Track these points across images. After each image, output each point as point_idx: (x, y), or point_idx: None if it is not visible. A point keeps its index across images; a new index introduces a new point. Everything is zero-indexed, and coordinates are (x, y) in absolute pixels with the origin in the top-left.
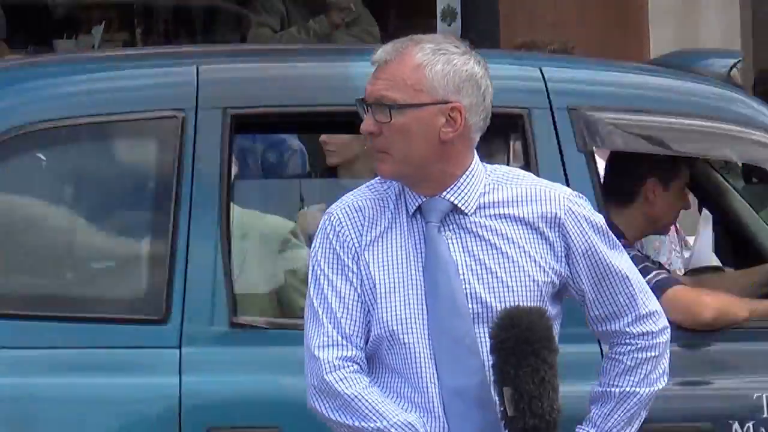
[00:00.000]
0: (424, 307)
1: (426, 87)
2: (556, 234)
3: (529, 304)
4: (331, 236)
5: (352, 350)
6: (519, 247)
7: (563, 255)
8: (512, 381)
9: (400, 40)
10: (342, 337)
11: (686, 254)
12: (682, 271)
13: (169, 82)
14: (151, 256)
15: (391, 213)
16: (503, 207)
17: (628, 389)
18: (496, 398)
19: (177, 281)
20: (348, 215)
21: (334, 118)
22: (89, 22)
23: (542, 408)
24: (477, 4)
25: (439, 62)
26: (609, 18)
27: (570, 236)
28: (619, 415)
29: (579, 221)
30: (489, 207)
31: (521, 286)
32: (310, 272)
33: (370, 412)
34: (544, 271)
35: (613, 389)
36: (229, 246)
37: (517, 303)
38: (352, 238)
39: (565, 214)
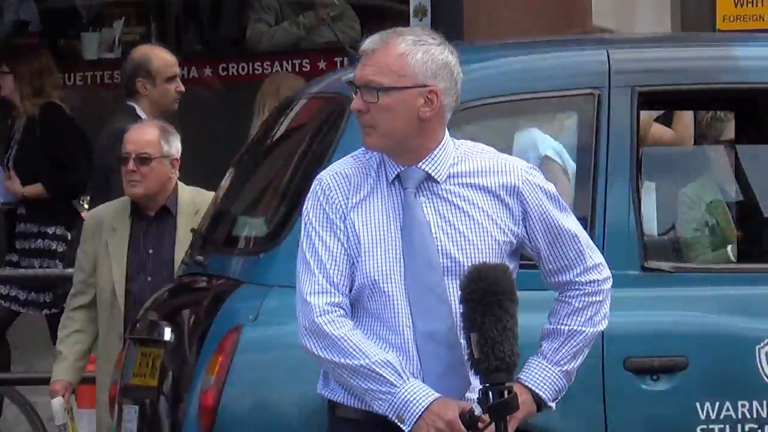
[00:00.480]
0: (402, 260)
1: (408, 73)
2: (515, 201)
3: (493, 261)
4: (321, 198)
5: (338, 297)
6: (483, 212)
7: (521, 219)
8: (479, 328)
9: (385, 32)
10: (330, 285)
11: None
12: None
13: (586, 64)
14: (577, 216)
15: (373, 180)
16: (470, 177)
17: (575, 328)
18: (464, 342)
19: (597, 236)
20: (336, 181)
21: (724, 94)
22: (111, 17)
23: (504, 352)
24: (444, 3)
25: (419, 51)
26: (557, 16)
27: (527, 202)
28: (566, 350)
29: (534, 189)
30: (458, 176)
31: (485, 244)
32: (302, 229)
33: (355, 350)
34: (504, 232)
35: (562, 327)
36: (639, 203)
37: (481, 259)
38: (339, 200)
39: (523, 183)
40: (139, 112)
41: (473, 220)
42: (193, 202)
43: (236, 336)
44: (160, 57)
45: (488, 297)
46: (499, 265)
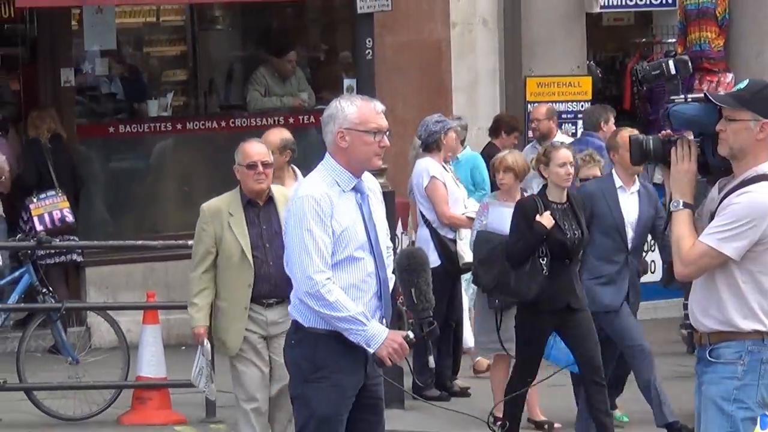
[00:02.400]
0: (366, 240)
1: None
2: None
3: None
4: (315, 208)
5: (329, 273)
6: (381, 212)
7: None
8: (415, 285)
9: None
10: (324, 266)
11: None
12: None
13: None
14: None
15: (337, 191)
16: (369, 187)
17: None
18: (407, 300)
19: None
20: (322, 197)
21: None
22: (166, 89)
23: (429, 299)
24: (363, 87)
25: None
26: (427, 87)
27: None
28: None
29: (378, 192)
30: (367, 188)
31: (385, 225)
32: (300, 229)
33: (342, 308)
34: (386, 220)
35: None
36: None
37: (387, 235)
38: (326, 210)
39: (376, 187)
40: None
41: (379, 215)
42: (282, 194)
43: None
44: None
45: (419, 267)
46: (419, 248)
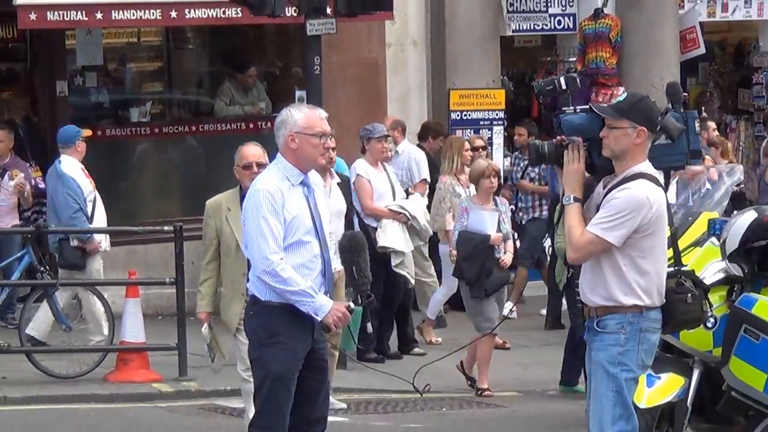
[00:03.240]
0: (313, 226)
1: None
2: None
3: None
4: (270, 199)
5: (282, 254)
6: (323, 203)
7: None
8: (356, 263)
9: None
10: (278, 248)
11: None
12: None
13: None
14: None
15: (288, 185)
16: (314, 181)
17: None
18: (348, 275)
19: None
20: (275, 190)
21: None
22: (143, 100)
23: (366, 275)
24: (311, 98)
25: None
26: (365, 98)
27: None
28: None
29: (321, 186)
30: (313, 183)
31: (328, 219)
32: (256, 218)
33: (294, 283)
34: (327, 210)
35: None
36: None
37: (328, 223)
38: (278, 201)
39: (320, 182)
40: None
41: (323, 204)
42: None
43: None
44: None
45: (358, 248)
46: (359, 232)
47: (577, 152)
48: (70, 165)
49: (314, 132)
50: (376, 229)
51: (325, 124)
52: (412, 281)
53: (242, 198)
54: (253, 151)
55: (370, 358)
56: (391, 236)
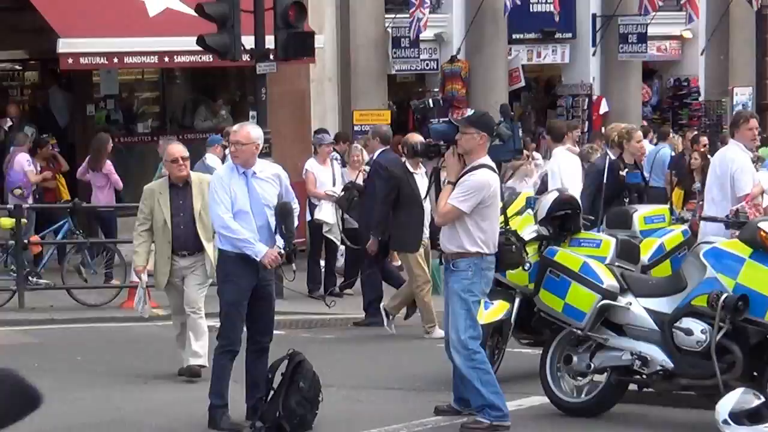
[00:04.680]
0: (248, 203)
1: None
2: (278, 182)
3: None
4: (221, 182)
5: (230, 214)
6: (268, 187)
7: (281, 191)
8: (284, 222)
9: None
10: (228, 212)
11: None
12: None
13: None
14: None
15: (236, 175)
16: (260, 173)
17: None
18: (278, 231)
19: None
20: (225, 176)
21: None
22: (146, 118)
23: (291, 230)
24: (260, 118)
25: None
26: (296, 117)
27: (282, 183)
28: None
29: (283, 177)
30: (257, 172)
31: (271, 197)
32: (213, 193)
33: (240, 233)
34: (274, 196)
35: None
36: None
37: (270, 203)
38: (226, 182)
39: (281, 174)
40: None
41: (267, 191)
42: (199, 179)
43: None
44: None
45: (286, 213)
46: (287, 201)
47: (453, 150)
48: (213, 159)
49: (231, 141)
50: (316, 206)
51: (240, 137)
52: (338, 242)
53: (170, 185)
54: (178, 148)
55: (315, 295)
56: (324, 212)
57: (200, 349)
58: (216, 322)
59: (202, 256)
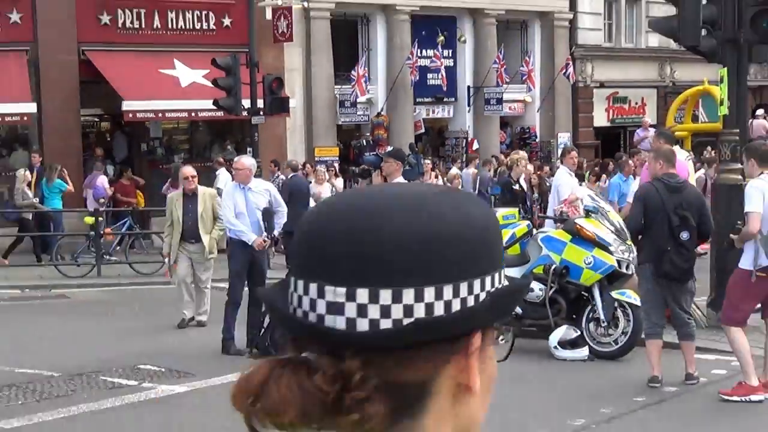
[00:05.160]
0: (245, 207)
1: None
2: (268, 194)
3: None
4: (228, 194)
5: (233, 214)
6: (258, 197)
7: (271, 199)
8: (267, 219)
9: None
10: (232, 213)
11: None
12: None
13: None
14: None
15: (237, 189)
16: (254, 188)
17: None
18: (265, 225)
19: None
20: (231, 189)
21: None
22: (180, 151)
23: (272, 226)
24: (254, 153)
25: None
26: (276, 152)
27: (272, 194)
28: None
29: (272, 191)
30: (252, 187)
31: (263, 202)
32: (225, 200)
33: (239, 225)
34: (263, 203)
35: None
36: None
37: (261, 209)
38: (232, 194)
39: (270, 189)
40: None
41: (257, 197)
42: (205, 191)
43: None
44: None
45: (270, 214)
46: (270, 207)
47: (380, 174)
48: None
49: (234, 167)
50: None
51: (239, 165)
52: None
53: (183, 195)
54: (188, 169)
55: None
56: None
57: (204, 310)
58: (225, 285)
59: (202, 243)
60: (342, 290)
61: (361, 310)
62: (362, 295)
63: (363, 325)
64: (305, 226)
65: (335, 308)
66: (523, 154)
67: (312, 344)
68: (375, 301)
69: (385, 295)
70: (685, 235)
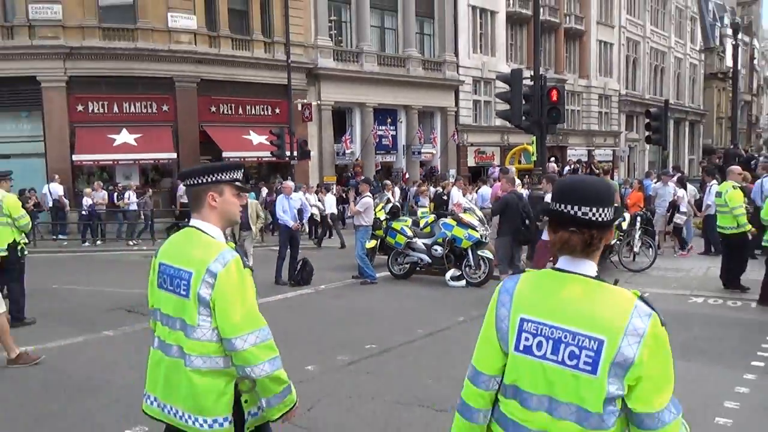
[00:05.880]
0: (288, 207)
1: None
2: (300, 201)
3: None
4: (280, 200)
5: (282, 211)
6: (295, 202)
7: (303, 204)
8: (300, 216)
9: None
10: (281, 209)
11: None
12: None
13: None
14: None
15: (284, 197)
16: (293, 197)
17: None
18: (298, 217)
19: None
20: (282, 198)
21: None
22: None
23: (302, 219)
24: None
25: None
26: (304, 178)
27: (302, 201)
28: None
29: (303, 200)
30: (292, 197)
31: (296, 207)
32: (277, 204)
33: (284, 218)
34: (297, 205)
35: None
36: None
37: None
38: (282, 201)
39: (302, 199)
40: None
41: (294, 203)
42: (251, 201)
43: None
44: None
45: (300, 211)
46: (302, 209)
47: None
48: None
49: (283, 187)
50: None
51: (287, 186)
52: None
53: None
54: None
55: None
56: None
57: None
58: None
59: (251, 231)
60: (587, 208)
61: (594, 213)
62: (594, 208)
63: (595, 217)
64: (564, 184)
65: (585, 212)
66: (451, 181)
67: (571, 226)
68: (598, 210)
69: (600, 209)
70: (526, 222)
